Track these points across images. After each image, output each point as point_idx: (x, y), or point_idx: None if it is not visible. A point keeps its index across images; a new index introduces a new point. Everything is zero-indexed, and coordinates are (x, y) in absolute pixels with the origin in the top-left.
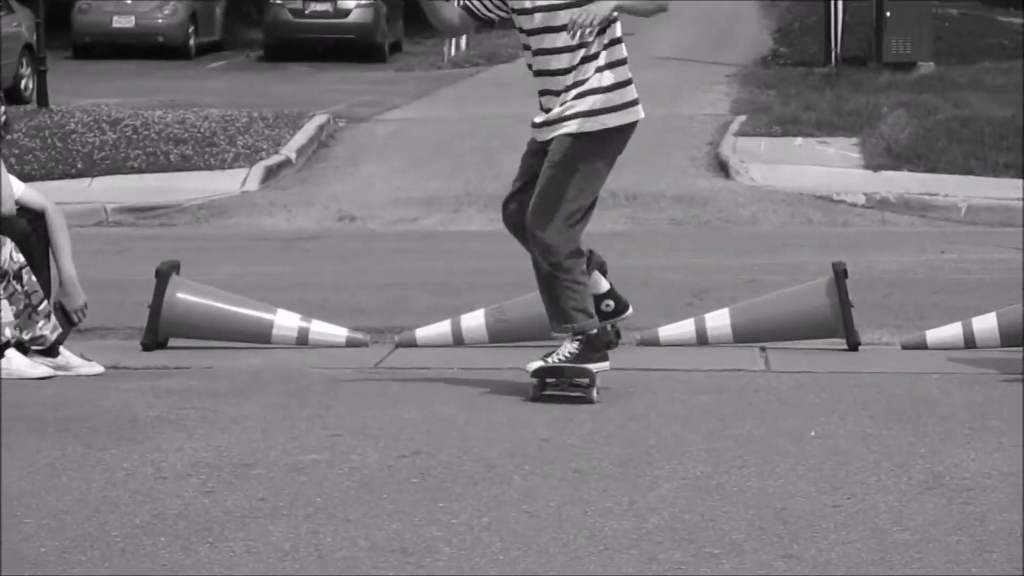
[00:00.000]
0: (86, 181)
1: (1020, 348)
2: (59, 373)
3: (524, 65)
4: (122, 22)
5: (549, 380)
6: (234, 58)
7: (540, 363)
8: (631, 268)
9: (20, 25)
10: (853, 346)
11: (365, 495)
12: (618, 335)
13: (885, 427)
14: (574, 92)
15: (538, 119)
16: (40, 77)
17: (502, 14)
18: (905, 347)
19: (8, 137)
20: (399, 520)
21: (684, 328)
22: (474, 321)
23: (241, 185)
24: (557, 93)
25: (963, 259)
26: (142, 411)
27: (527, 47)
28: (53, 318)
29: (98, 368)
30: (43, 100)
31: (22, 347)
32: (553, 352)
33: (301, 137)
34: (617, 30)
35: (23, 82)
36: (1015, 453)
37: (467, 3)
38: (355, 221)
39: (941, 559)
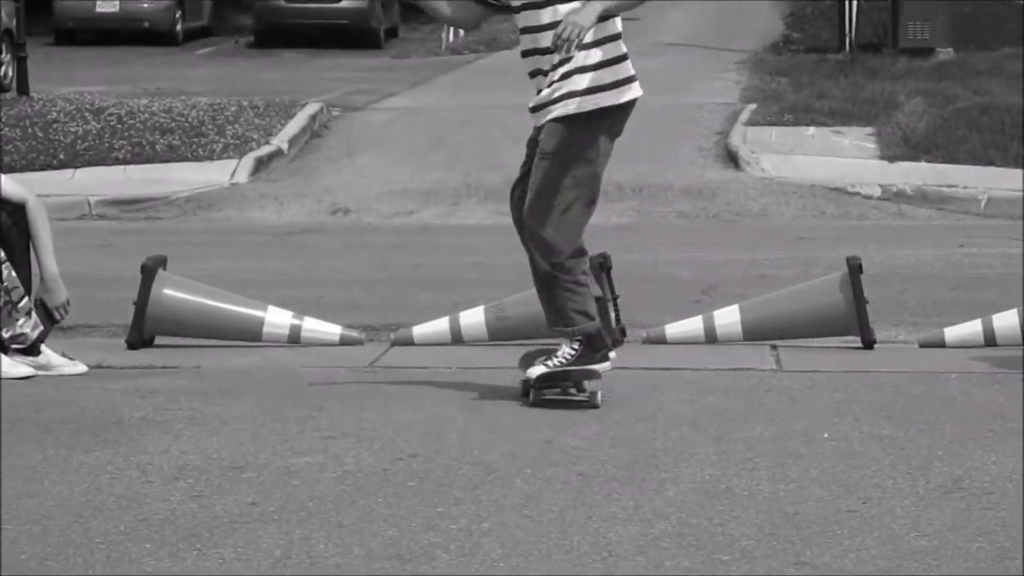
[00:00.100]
0: (68, 173)
1: None
2: (40, 372)
3: None
4: (106, 7)
5: (549, 384)
6: (223, 44)
7: (541, 368)
8: (637, 263)
9: None
10: (868, 344)
11: (359, 499)
12: (624, 333)
13: (902, 429)
14: (560, 72)
15: (531, 103)
16: (20, 64)
17: None
18: (922, 345)
19: None
20: (395, 525)
21: (692, 325)
22: (473, 318)
23: (230, 177)
24: (545, 73)
25: (983, 253)
26: (127, 412)
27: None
28: (34, 315)
29: (81, 367)
30: (23, 88)
31: (2, 346)
32: (551, 355)
33: (293, 127)
34: None
35: (2, 69)
36: None
37: None
38: (349, 214)
39: (960, 567)
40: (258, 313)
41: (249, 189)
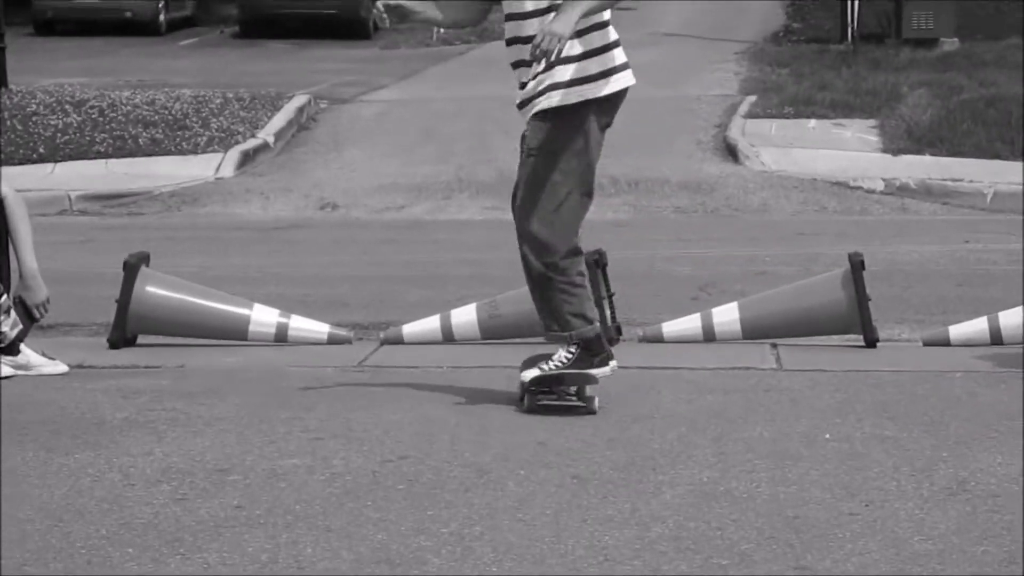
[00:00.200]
0: (48, 167)
1: None
2: (20, 372)
3: None
4: None
5: (545, 389)
6: (208, 35)
7: (536, 372)
8: (633, 259)
9: None
10: (871, 342)
11: (348, 502)
12: (619, 331)
13: (905, 429)
14: (543, 63)
15: (518, 99)
16: None
17: None
18: (926, 343)
19: None
20: (384, 529)
21: (690, 323)
22: (465, 316)
23: (215, 171)
24: (528, 64)
25: (988, 249)
26: (109, 413)
27: None
28: (13, 314)
29: (62, 367)
30: (2, 80)
31: None
32: (547, 358)
33: (280, 119)
34: None
35: None
36: None
37: None
38: (338, 209)
39: (965, 571)
40: (244, 311)
41: (234, 183)
